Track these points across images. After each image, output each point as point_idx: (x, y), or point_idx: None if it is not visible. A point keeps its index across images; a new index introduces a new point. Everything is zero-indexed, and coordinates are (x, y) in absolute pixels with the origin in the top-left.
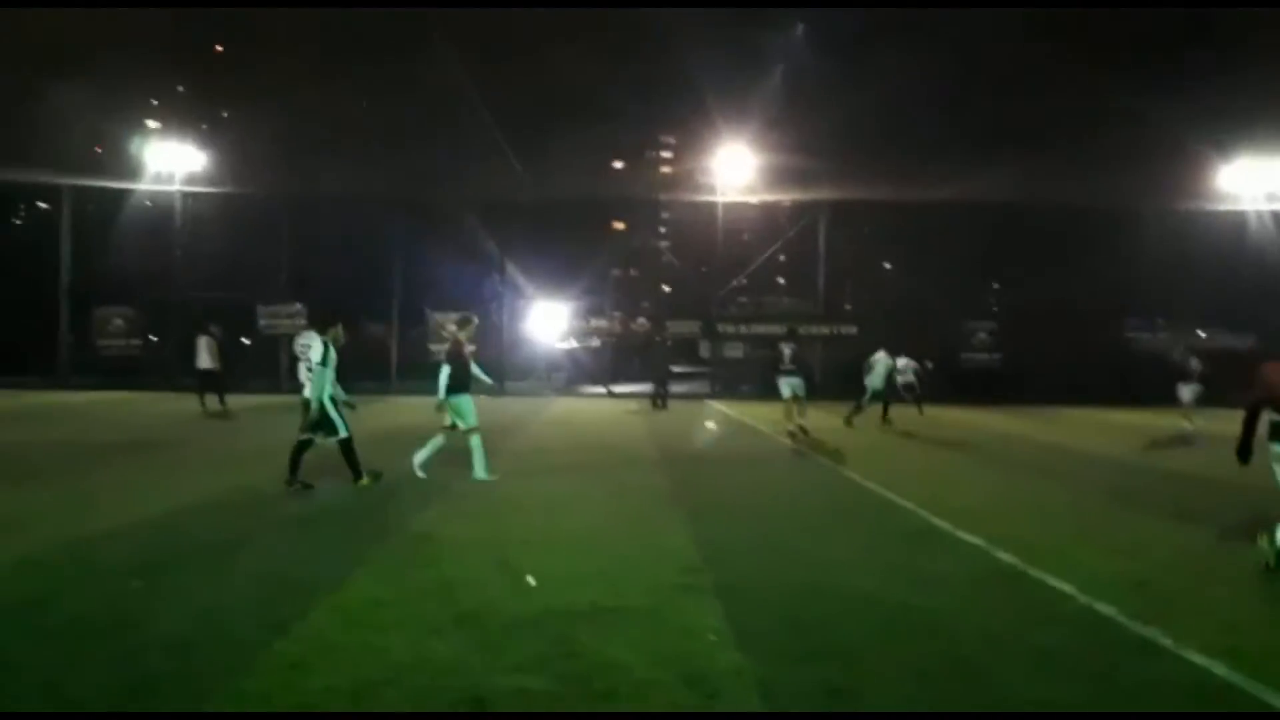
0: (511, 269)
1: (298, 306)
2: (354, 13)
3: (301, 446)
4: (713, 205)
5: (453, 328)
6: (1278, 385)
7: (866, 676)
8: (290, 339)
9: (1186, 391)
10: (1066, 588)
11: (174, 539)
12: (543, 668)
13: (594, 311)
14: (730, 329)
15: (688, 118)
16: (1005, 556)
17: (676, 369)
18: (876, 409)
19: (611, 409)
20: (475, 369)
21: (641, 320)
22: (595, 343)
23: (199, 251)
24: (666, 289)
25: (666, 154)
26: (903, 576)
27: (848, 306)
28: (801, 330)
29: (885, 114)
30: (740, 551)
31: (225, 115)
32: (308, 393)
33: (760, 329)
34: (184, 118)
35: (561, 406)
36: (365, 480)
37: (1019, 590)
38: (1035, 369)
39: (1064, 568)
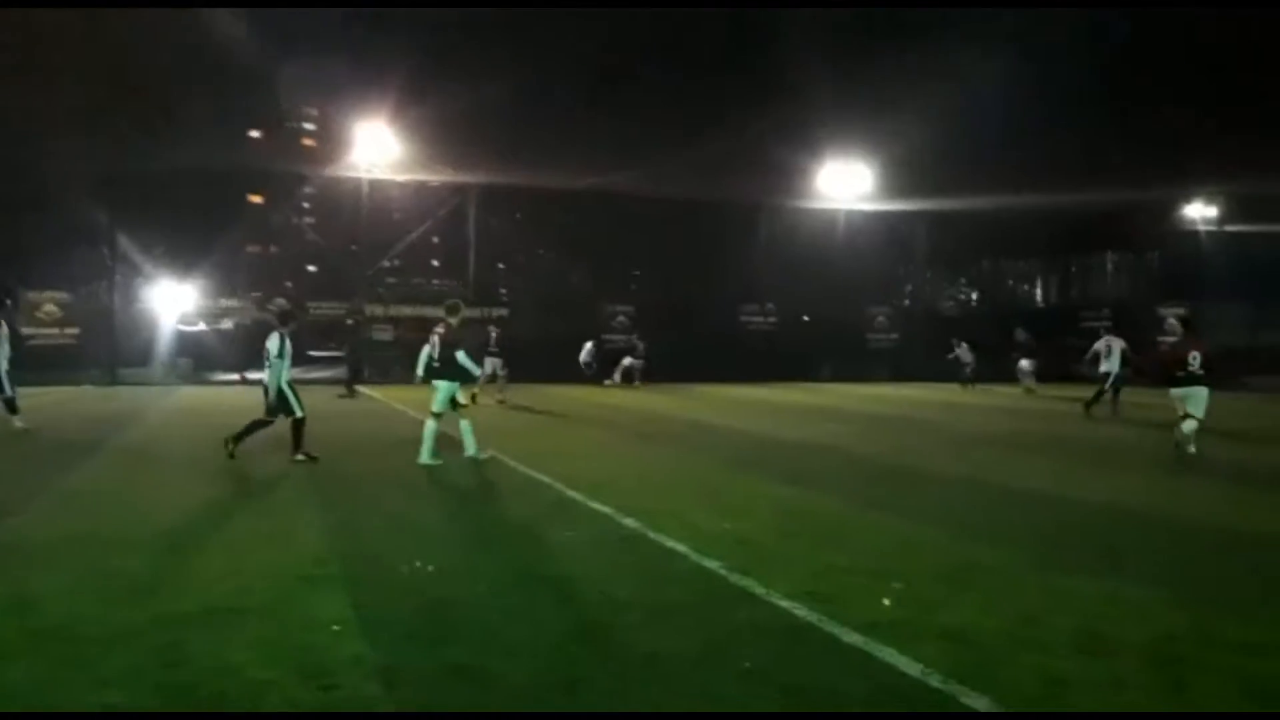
0: (126, 244)
1: None
2: None
3: (297, 424)
4: (359, 182)
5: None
6: (1168, 358)
7: (494, 652)
8: None
9: (1026, 364)
10: (681, 548)
11: None
12: (139, 681)
13: (226, 291)
14: (379, 311)
15: (334, 88)
16: (630, 523)
17: (320, 352)
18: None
19: (246, 398)
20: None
21: (280, 301)
22: (227, 325)
23: None
24: (312, 268)
25: (309, 125)
26: (533, 549)
27: (502, 290)
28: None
29: (536, 103)
30: (373, 538)
31: None
32: (265, 378)
33: (408, 311)
34: None
35: (187, 396)
36: (301, 457)
37: (639, 553)
38: (669, 349)
39: (680, 530)
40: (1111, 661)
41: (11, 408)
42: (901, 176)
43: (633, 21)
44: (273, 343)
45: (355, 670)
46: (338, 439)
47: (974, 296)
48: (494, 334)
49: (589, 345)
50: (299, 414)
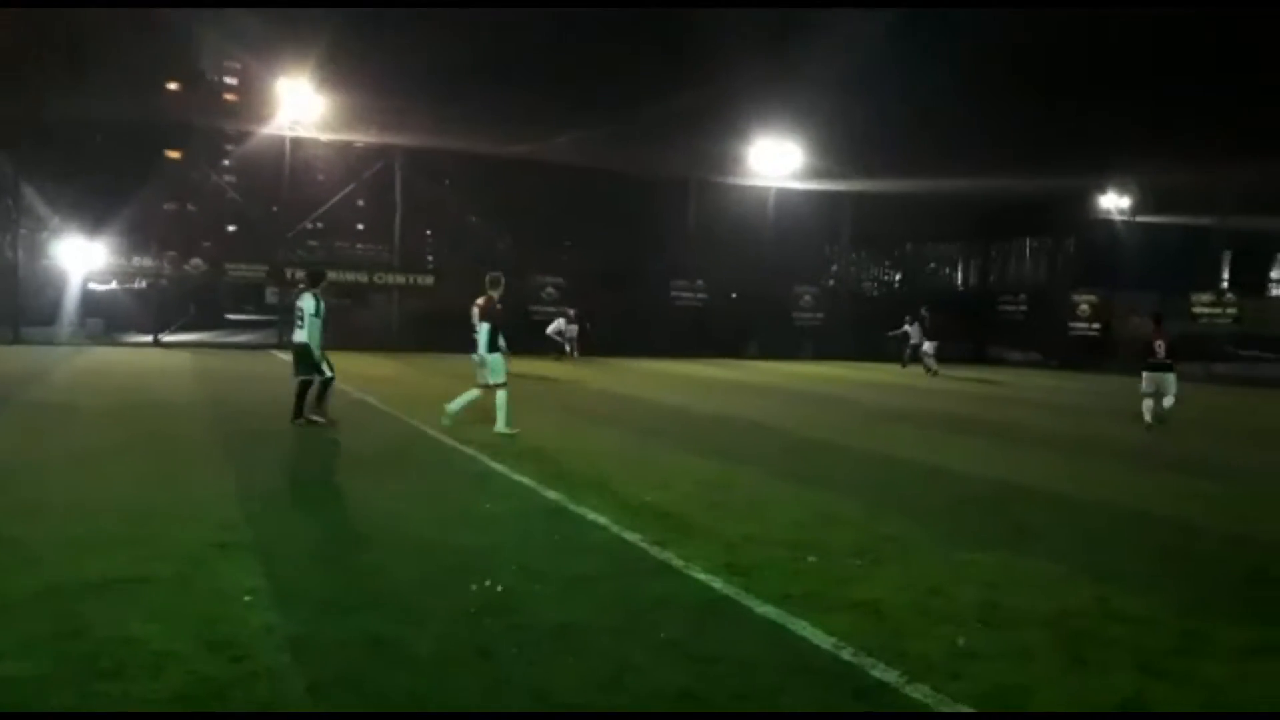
0: (32, 196)
1: None
2: None
3: (304, 386)
4: (282, 140)
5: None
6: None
7: (407, 622)
8: None
9: (928, 345)
10: (602, 520)
11: None
12: (35, 651)
13: (139, 249)
14: (300, 274)
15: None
16: (552, 494)
17: (238, 316)
18: None
19: (160, 360)
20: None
21: (197, 261)
22: (141, 284)
23: None
24: (231, 228)
25: (231, 80)
26: (454, 519)
27: (429, 257)
28: (377, 278)
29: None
30: (289, 506)
31: None
32: (299, 337)
33: (333, 275)
34: None
35: (96, 357)
36: (303, 421)
37: (560, 524)
38: (597, 322)
39: (602, 502)
40: (1015, 633)
41: None
42: (830, 156)
43: None
44: (308, 303)
45: (265, 640)
46: (255, 405)
47: (897, 278)
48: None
49: (561, 320)
50: (329, 374)
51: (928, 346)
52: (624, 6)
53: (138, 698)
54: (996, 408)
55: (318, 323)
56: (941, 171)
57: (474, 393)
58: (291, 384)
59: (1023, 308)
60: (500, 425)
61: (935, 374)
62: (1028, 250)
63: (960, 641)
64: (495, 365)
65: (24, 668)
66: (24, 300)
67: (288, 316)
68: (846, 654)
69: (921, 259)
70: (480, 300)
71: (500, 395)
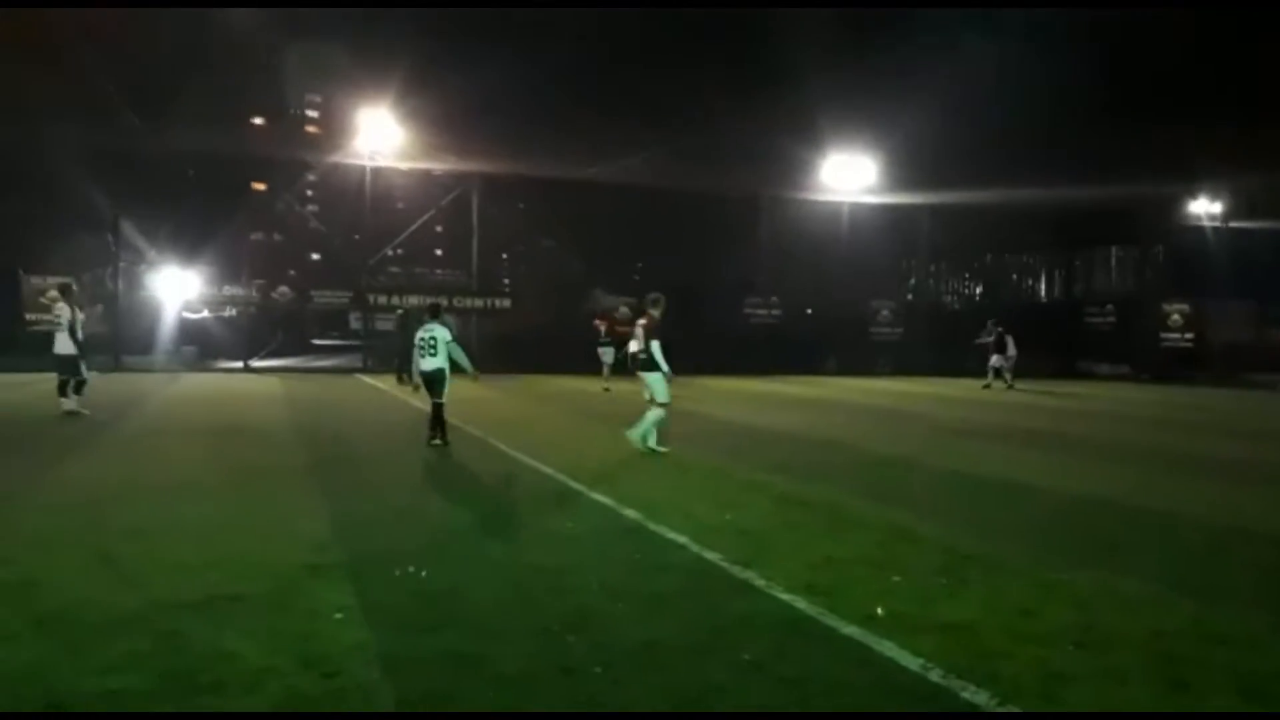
0: (129, 229)
1: None
2: None
3: (439, 409)
4: (362, 170)
5: (624, 309)
6: None
7: (491, 639)
8: None
9: (997, 359)
10: (681, 538)
11: None
12: (140, 666)
13: (229, 279)
14: (383, 300)
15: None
16: (630, 513)
17: (323, 341)
18: None
19: (250, 385)
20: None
21: (284, 289)
22: (231, 312)
23: None
24: (315, 256)
25: (312, 113)
26: (534, 538)
27: (505, 280)
28: (456, 302)
29: (539, 92)
30: (377, 527)
31: None
32: (425, 365)
33: (413, 300)
34: None
35: (190, 383)
36: (438, 441)
37: (639, 543)
38: (672, 341)
39: (681, 521)
40: (1110, 655)
41: (79, 389)
42: (905, 169)
43: (637, 11)
44: (442, 332)
45: (356, 657)
46: (343, 428)
47: (978, 291)
48: (602, 327)
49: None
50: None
51: (997, 359)
52: (696, 26)
53: (237, 711)
54: (1080, 421)
55: (454, 345)
56: (1022, 180)
57: (657, 412)
58: (425, 407)
59: (1110, 319)
60: (640, 434)
61: (1008, 387)
62: (1113, 259)
63: (884, 594)
64: (659, 384)
65: (130, 681)
66: (123, 329)
67: (371, 341)
68: (935, 675)
69: (1003, 270)
70: (642, 320)
71: (657, 412)
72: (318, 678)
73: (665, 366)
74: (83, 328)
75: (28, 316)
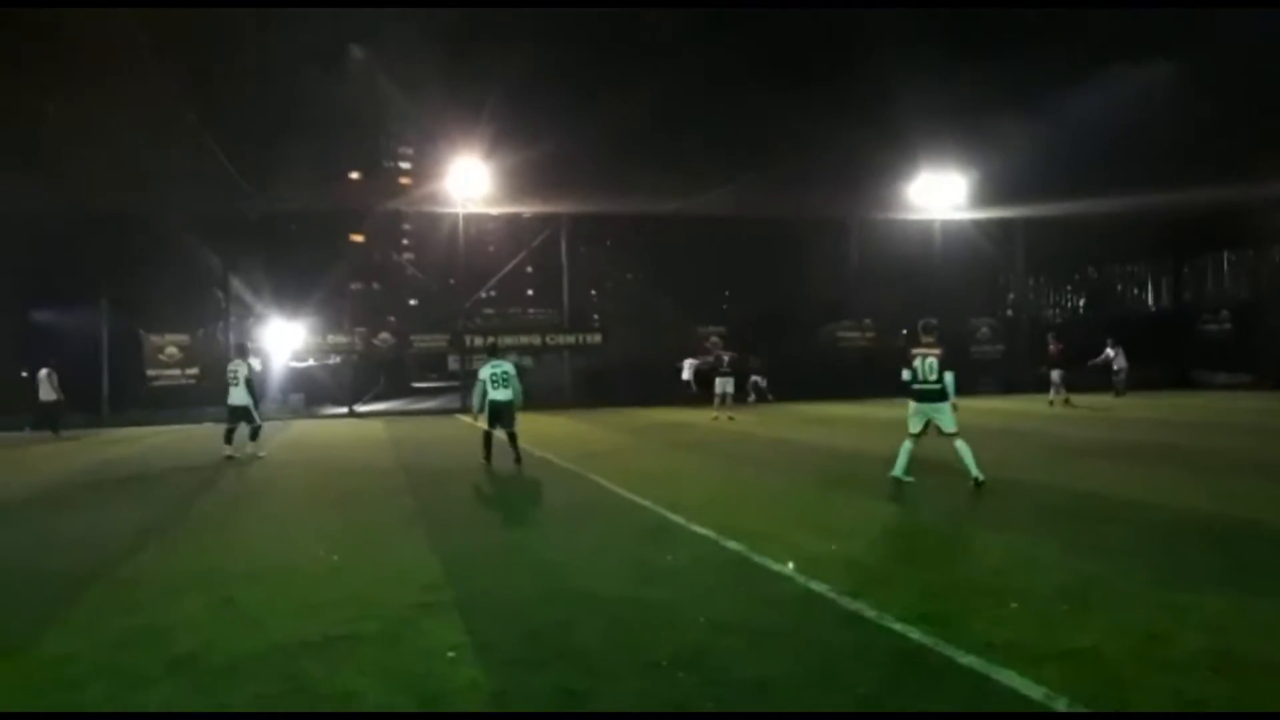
0: (237, 285)
1: None
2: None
3: (513, 438)
4: (454, 216)
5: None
6: None
7: (600, 676)
8: None
9: (1055, 375)
10: (787, 570)
11: None
12: (265, 706)
13: (332, 328)
14: (479, 341)
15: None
16: (733, 545)
17: (424, 384)
18: None
19: (355, 429)
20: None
21: (385, 335)
22: (334, 360)
23: None
24: (413, 302)
25: (405, 164)
26: (637, 573)
27: (595, 316)
28: (549, 340)
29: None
30: (484, 564)
31: None
32: (500, 397)
33: (509, 340)
34: None
35: (299, 429)
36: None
37: (744, 576)
38: (762, 369)
39: (784, 552)
40: (1250, 681)
41: (254, 435)
42: (996, 183)
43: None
44: (512, 367)
45: (472, 695)
46: (446, 466)
47: (1080, 304)
48: (726, 357)
49: (689, 362)
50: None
51: (1055, 375)
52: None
53: None
54: (1194, 434)
55: (517, 383)
56: (1122, 187)
57: (964, 445)
58: (500, 435)
59: (1226, 325)
60: (974, 469)
61: (1052, 404)
62: (1225, 264)
63: (1002, 622)
64: (945, 413)
65: None
66: None
67: (469, 381)
68: (1060, 705)
69: (1107, 281)
70: (937, 351)
71: (959, 443)
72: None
73: (952, 393)
74: (257, 380)
75: (149, 373)
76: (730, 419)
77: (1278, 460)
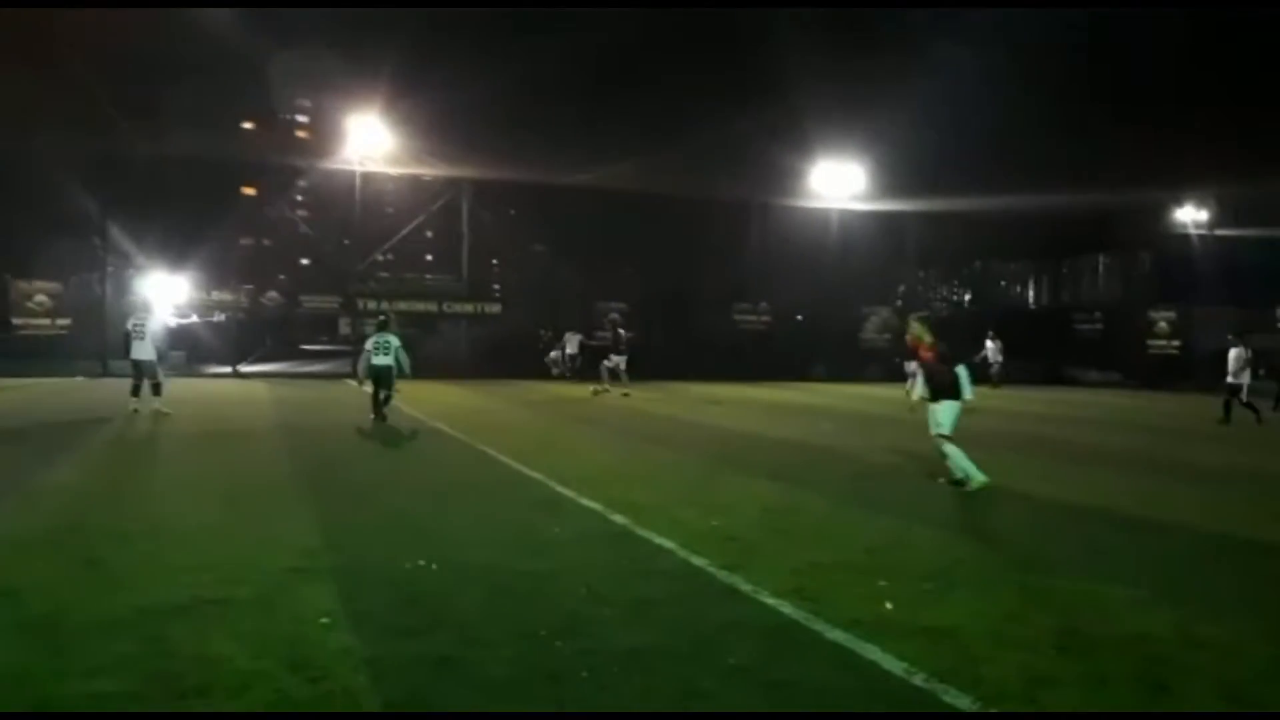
0: (116, 233)
1: None
2: None
3: (388, 398)
4: (352, 175)
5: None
6: None
7: (475, 644)
8: None
9: (910, 365)
10: (668, 544)
11: None
12: (126, 669)
13: (218, 283)
14: (372, 305)
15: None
16: (618, 518)
17: (312, 346)
18: None
19: (237, 391)
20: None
21: (273, 294)
22: (219, 318)
23: None
24: (305, 262)
25: (302, 118)
26: (521, 544)
27: (495, 286)
28: (446, 307)
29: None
30: (363, 532)
31: None
32: (379, 362)
33: (402, 305)
34: None
35: (179, 388)
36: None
37: (626, 548)
38: (659, 346)
39: (668, 526)
40: (1093, 660)
41: (156, 391)
42: (894, 176)
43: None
44: (395, 339)
45: (343, 662)
46: (329, 432)
47: (966, 297)
48: (624, 334)
49: (575, 336)
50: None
51: (910, 366)
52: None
53: (224, 712)
54: (1063, 427)
55: (404, 353)
56: (1010, 188)
57: (953, 448)
58: (380, 394)
59: (1099, 325)
60: (964, 472)
61: (909, 394)
62: (1100, 266)
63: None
64: (950, 411)
65: (117, 684)
66: (111, 334)
67: (360, 346)
68: (918, 680)
69: (991, 277)
70: (944, 347)
71: (949, 448)
72: (304, 681)
73: (968, 392)
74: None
75: (14, 321)
76: (625, 395)
77: (1134, 453)
